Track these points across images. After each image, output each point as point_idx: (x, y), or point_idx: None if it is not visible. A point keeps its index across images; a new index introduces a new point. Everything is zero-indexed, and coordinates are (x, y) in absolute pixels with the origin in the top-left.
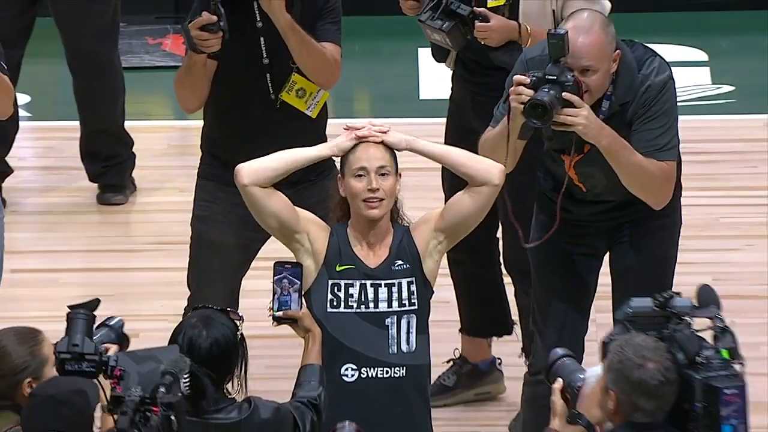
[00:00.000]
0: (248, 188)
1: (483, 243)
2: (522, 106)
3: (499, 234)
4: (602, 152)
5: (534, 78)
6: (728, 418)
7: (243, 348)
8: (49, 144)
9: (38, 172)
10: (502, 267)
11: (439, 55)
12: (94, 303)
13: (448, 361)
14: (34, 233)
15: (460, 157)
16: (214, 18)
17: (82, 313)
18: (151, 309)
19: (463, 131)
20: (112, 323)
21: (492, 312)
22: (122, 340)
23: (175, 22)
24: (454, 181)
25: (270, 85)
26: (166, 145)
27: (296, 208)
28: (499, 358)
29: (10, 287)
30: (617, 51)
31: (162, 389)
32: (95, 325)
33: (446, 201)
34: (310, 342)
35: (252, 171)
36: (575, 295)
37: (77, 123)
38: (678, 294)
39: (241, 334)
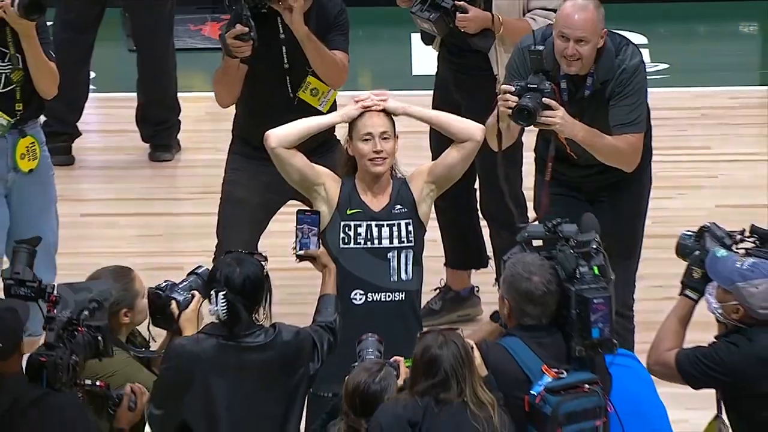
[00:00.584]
0: (276, 150)
1: (463, 194)
2: (509, 110)
3: (476, 187)
4: (578, 142)
5: (518, 87)
6: (596, 323)
7: (268, 283)
8: (109, 111)
9: (101, 135)
10: (479, 213)
11: (427, 39)
12: (36, 240)
13: (435, 289)
14: (97, 184)
15: (448, 119)
16: (246, 29)
17: (24, 248)
18: (193, 247)
19: (446, 101)
20: (200, 271)
21: (470, 249)
22: (208, 288)
23: (212, 12)
24: (440, 142)
25: (289, 85)
26: (204, 113)
27: (314, 164)
28: (476, 287)
29: (79, 229)
30: (604, 30)
31: (86, 313)
32: (189, 272)
33: (433, 158)
34: (326, 276)
35: (279, 136)
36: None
37: (132, 94)
38: (565, 220)
39: (266, 271)
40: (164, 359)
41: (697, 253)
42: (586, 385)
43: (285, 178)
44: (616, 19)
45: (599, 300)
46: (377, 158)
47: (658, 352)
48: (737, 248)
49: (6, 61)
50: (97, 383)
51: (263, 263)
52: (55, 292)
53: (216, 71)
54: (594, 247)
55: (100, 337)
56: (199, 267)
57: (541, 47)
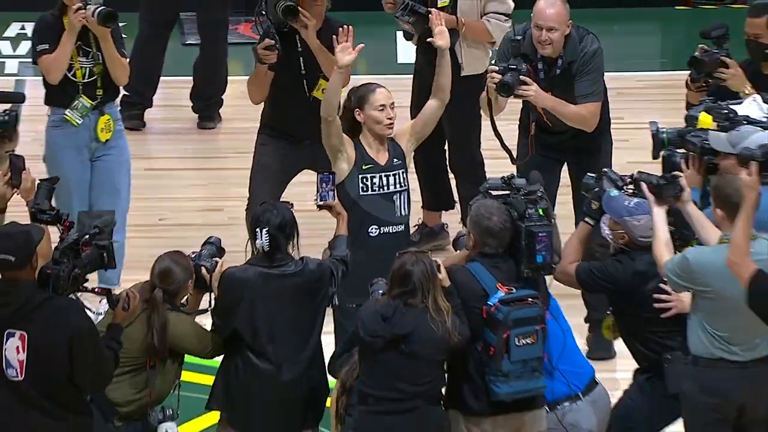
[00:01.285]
0: (329, 119)
1: (435, 154)
2: (495, 85)
3: (446, 148)
4: (548, 110)
5: (502, 67)
6: (540, 251)
7: (296, 223)
8: (166, 90)
9: (160, 108)
10: (448, 169)
11: (408, 36)
12: (55, 179)
13: (414, 226)
14: (159, 145)
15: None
16: (272, 42)
17: (45, 184)
18: (232, 194)
19: (423, 83)
20: (212, 240)
21: (441, 196)
22: (221, 252)
23: (245, 15)
24: (418, 109)
25: (306, 86)
26: (240, 92)
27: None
28: (446, 224)
29: (144, 180)
30: (570, 21)
31: (86, 237)
32: (203, 243)
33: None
34: (340, 221)
35: (327, 108)
36: (549, 186)
37: (182, 78)
38: (516, 175)
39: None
40: (220, 283)
41: (596, 190)
42: (530, 299)
43: (325, 142)
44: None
45: (543, 234)
46: (390, 124)
47: (562, 265)
48: (626, 189)
49: (90, 58)
50: (96, 288)
51: (291, 208)
52: (69, 219)
53: (249, 77)
54: (539, 194)
55: (104, 254)
56: (210, 237)
57: (519, 37)
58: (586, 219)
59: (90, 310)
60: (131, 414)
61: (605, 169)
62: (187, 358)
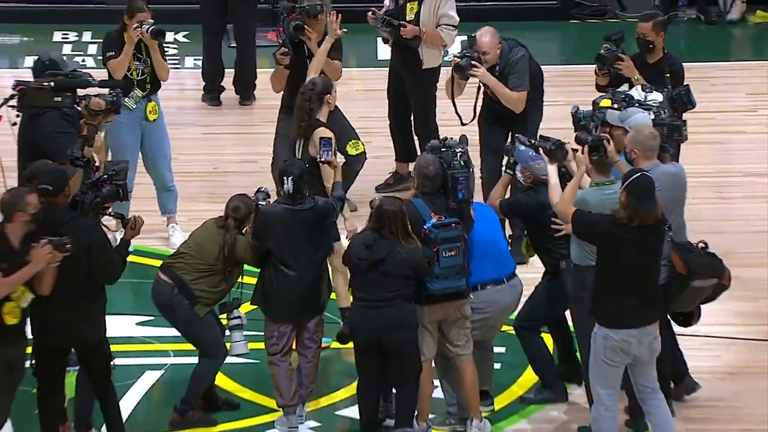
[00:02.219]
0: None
1: (405, 120)
2: (454, 67)
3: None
4: (491, 88)
5: (460, 54)
6: (460, 190)
7: (308, 174)
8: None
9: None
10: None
11: (385, 41)
12: (88, 136)
13: (389, 173)
14: (212, 117)
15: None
16: (286, 50)
17: (80, 140)
18: (263, 151)
19: (396, 75)
20: (262, 189)
21: (408, 150)
22: (269, 197)
23: (272, 26)
24: (392, 93)
25: None
26: (266, 81)
27: None
28: (411, 171)
29: (201, 141)
30: (499, 44)
31: (105, 176)
32: (256, 191)
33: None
34: (336, 172)
35: (315, 67)
36: (497, 144)
37: (229, 70)
38: (451, 138)
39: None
40: (257, 216)
41: (511, 149)
42: (453, 224)
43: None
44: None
45: (462, 177)
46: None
47: (491, 201)
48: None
49: (142, 62)
50: (112, 213)
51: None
52: (97, 162)
53: (271, 74)
54: (461, 150)
55: (120, 190)
56: (260, 187)
57: (474, 35)
58: (507, 170)
59: (109, 230)
60: (208, 304)
61: (517, 135)
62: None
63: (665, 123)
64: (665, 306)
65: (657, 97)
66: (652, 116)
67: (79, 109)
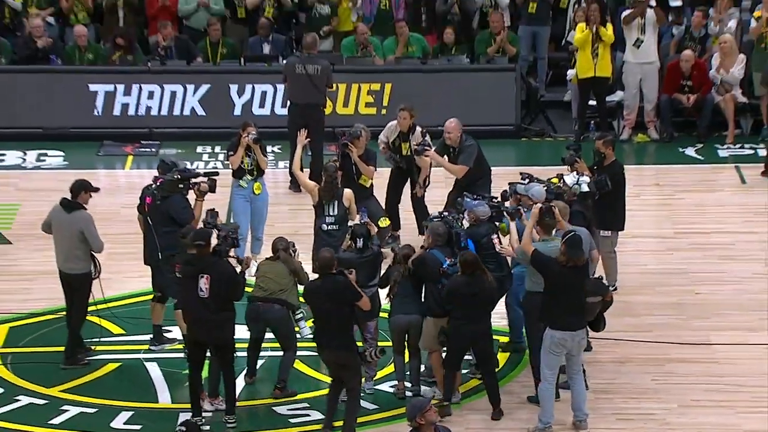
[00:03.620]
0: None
1: (397, 194)
2: (413, 151)
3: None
4: (443, 166)
5: (417, 144)
6: (461, 241)
7: (368, 234)
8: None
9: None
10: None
11: (389, 164)
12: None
13: (389, 235)
14: (289, 198)
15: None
16: (336, 160)
17: (211, 213)
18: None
19: (401, 173)
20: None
21: (396, 219)
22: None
23: (333, 142)
24: (392, 189)
25: (355, 178)
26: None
27: None
28: (397, 234)
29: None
30: (460, 132)
31: (229, 233)
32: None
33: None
34: (371, 228)
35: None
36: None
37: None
38: (446, 213)
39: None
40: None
41: (461, 201)
42: (454, 265)
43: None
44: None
45: (461, 234)
46: None
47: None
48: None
49: (251, 158)
50: (234, 255)
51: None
52: (218, 225)
53: None
54: (456, 217)
55: (235, 240)
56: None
57: (426, 142)
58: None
59: (233, 262)
60: (294, 310)
61: (465, 193)
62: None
63: (553, 191)
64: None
65: (585, 179)
66: (553, 187)
67: (192, 190)
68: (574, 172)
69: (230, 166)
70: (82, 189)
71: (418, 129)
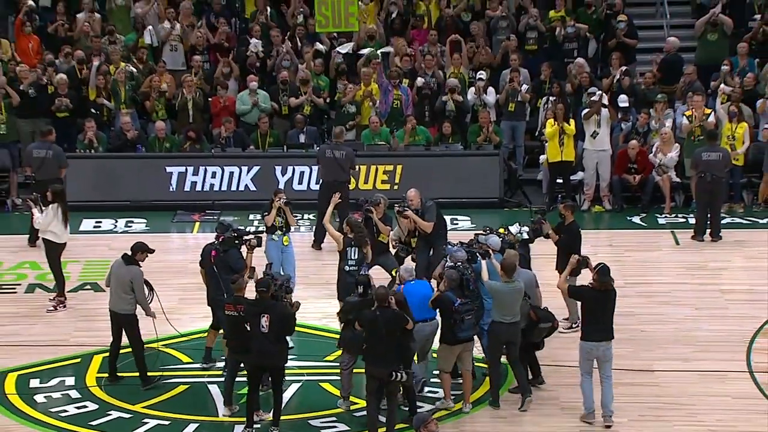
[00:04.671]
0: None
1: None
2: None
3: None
4: (412, 222)
5: (399, 206)
6: (469, 286)
7: (370, 283)
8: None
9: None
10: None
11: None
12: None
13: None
14: (314, 254)
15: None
16: (362, 222)
17: (270, 274)
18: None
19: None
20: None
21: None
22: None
23: (357, 210)
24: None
25: (376, 235)
26: None
27: None
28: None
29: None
30: (420, 198)
31: (282, 283)
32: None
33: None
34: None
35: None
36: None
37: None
38: (459, 263)
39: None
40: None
41: (445, 249)
42: (468, 303)
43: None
44: None
45: (471, 280)
46: None
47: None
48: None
49: (281, 216)
50: (288, 300)
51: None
52: (275, 275)
53: None
54: (467, 266)
55: (288, 286)
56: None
57: (404, 208)
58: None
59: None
60: None
61: (448, 241)
62: None
63: (507, 241)
64: (533, 339)
65: (525, 229)
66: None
67: (244, 245)
68: (517, 224)
69: (265, 224)
70: (139, 250)
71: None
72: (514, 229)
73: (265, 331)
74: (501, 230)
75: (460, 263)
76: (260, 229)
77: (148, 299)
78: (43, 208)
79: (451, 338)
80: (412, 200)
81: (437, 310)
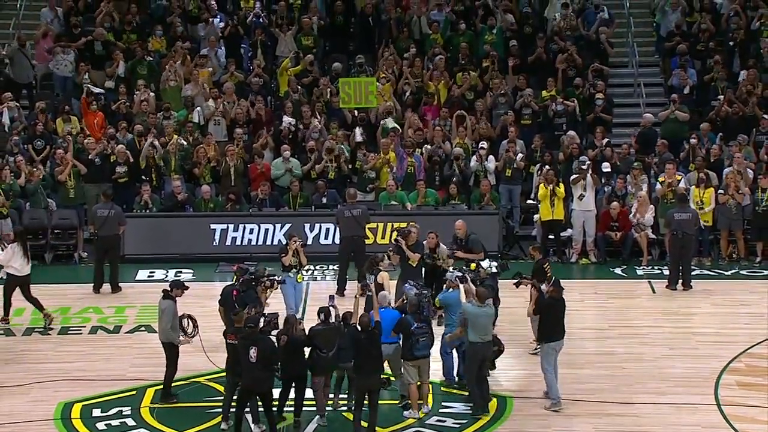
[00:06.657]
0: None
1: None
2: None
3: None
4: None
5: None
6: (424, 310)
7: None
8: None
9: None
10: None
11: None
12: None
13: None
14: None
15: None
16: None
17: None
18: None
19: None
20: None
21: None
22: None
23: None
24: None
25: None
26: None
27: None
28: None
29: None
30: (465, 228)
31: (271, 320)
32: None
33: None
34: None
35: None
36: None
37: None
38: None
39: None
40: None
41: (403, 288)
42: (424, 326)
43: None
44: None
45: (427, 306)
46: None
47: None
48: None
49: (295, 258)
50: (274, 334)
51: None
52: (266, 315)
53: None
54: (426, 292)
55: (276, 323)
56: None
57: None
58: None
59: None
60: None
61: (407, 281)
62: None
63: (478, 275)
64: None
65: (495, 263)
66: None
67: (259, 287)
68: (488, 260)
69: (282, 263)
70: (175, 286)
71: (442, 246)
72: (485, 264)
73: (253, 361)
74: (473, 266)
75: (417, 293)
76: (275, 274)
77: (191, 334)
78: (6, 246)
79: (410, 355)
80: (459, 229)
81: (399, 336)
